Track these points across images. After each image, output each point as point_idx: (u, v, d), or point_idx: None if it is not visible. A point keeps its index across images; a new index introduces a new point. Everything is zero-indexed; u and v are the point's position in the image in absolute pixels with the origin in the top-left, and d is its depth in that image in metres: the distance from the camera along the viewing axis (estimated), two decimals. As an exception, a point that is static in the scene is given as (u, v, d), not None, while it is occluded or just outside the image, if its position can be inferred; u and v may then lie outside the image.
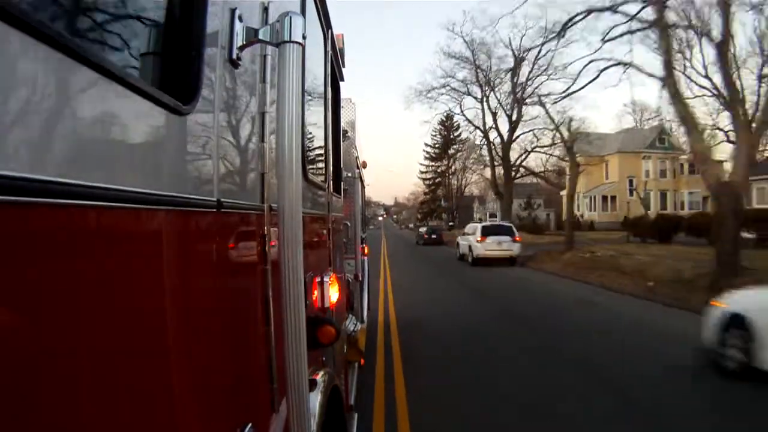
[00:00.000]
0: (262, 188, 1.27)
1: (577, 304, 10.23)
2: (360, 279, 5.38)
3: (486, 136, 33.63)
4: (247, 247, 1.20)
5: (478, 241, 19.37)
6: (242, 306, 1.17)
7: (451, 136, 51.67)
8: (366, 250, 7.21)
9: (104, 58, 0.65)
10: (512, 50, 26.70)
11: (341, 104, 3.48)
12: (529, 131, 30.58)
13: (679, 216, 25.61)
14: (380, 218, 50.32)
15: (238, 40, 1.06)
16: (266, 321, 1.25)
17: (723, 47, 14.99)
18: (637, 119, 32.34)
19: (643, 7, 15.90)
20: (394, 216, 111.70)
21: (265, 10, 1.29)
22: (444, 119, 44.50)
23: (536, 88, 26.70)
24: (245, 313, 1.19)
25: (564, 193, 34.46)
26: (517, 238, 19.50)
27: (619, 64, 18.23)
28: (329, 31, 2.45)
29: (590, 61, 19.60)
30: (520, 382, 5.20)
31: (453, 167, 56.39)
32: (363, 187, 7.30)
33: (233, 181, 1.14)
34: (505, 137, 30.69)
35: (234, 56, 1.05)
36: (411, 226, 56.96)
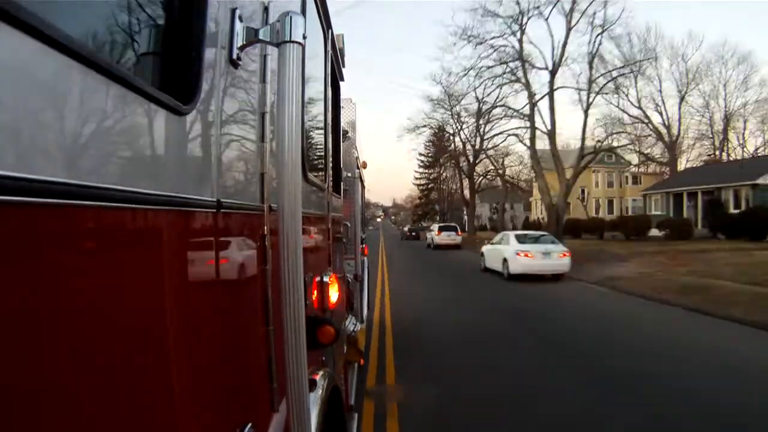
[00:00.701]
0: (262, 188, 1.27)
1: (473, 260, 20.52)
2: (360, 279, 5.37)
3: (456, 161, 46.97)
4: (246, 247, 1.20)
5: (436, 235, 32.03)
6: (242, 306, 1.16)
7: (443, 146, 53.76)
8: (365, 251, 7.20)
9: (104, 58, 0.65)
10: (476, 96, 34.26)
11: (341, 104, 3.48)
12: (485, 158, 43.60)
13: (589, 219, 36.07)
14: (378, 219, 51.18)
15: (239, 40, 1.06)
16: (266, 321, 1.25)
17: (552, 137, 26.93)
18: (607, 132, 37.97)
19: (525, 106, 29.12)
20: (392, 217, 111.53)
21: (266, 10, 1.28)
22: (436, 131, 48.21)
23: (482, 138, 38.39)
24: (245, 313, 1.18)
25: (531, 199, 54.22)
26: (459, 233, 32.74)
27: (512, 134, 32.47)
28: (329, 31, 2.45)
29: (499, 133, 34.64)
30: (429, 282, 15.22)
31: (444, 174, 61.49)
32: (363, 187, 7.29)
33: (233, 181, 1.14)
34: (471, 160, 43.15)
35: (234, 56, 1.04)
36: (407, 227, 59.14)
